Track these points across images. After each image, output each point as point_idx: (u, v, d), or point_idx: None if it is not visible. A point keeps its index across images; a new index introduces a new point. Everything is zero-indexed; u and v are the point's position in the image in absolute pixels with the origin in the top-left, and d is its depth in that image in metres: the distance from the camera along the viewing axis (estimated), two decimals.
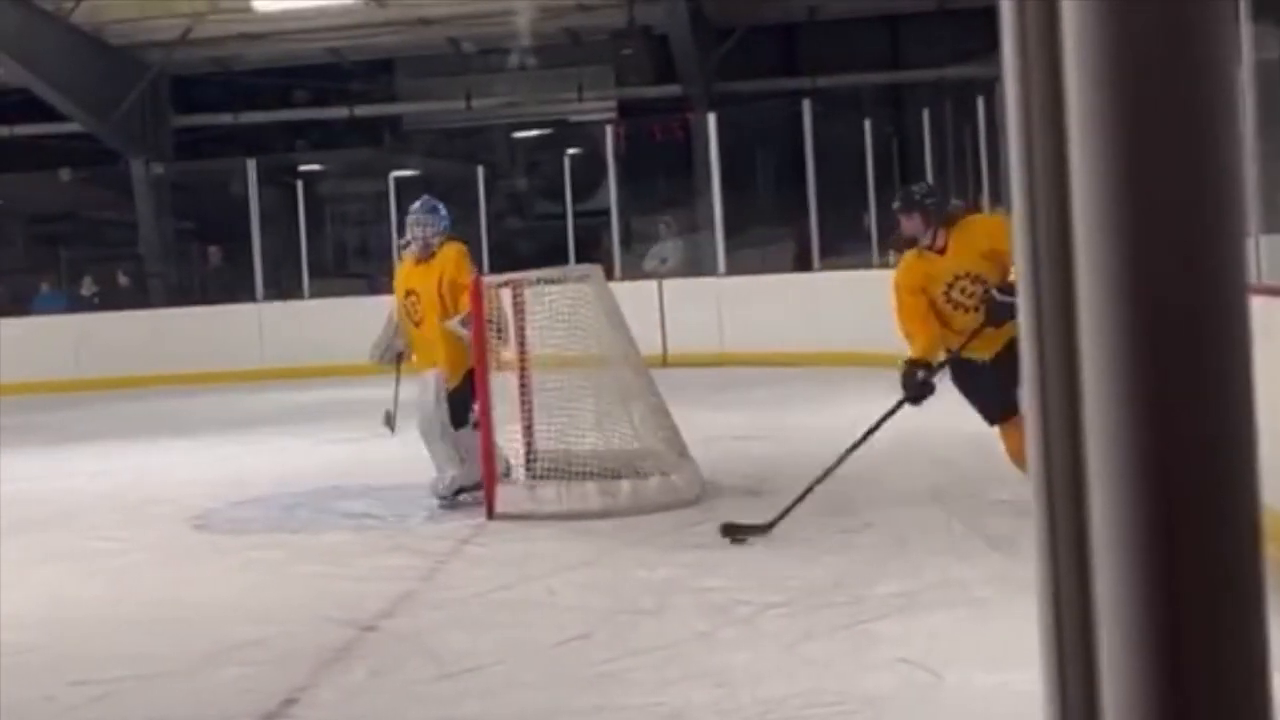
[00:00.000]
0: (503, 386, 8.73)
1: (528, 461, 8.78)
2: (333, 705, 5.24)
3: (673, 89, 22.56)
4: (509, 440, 8.78)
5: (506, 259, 17.05)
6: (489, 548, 7.78)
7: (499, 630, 6.02)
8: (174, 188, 23.78)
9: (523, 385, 8.88)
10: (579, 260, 18.00)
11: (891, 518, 7.77)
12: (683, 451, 8.86)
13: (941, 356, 7.54)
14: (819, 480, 7.44)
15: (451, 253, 9.01)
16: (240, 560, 7.84)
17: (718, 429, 10.97)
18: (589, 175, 20.84)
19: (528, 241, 22.63)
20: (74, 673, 5.69)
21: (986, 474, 8.24)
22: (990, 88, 15.95)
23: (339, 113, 25.25)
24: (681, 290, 18.10)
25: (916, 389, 7.44)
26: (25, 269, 24.37)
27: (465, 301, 8.65)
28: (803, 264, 18.79)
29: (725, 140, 18.82)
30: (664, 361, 15.38)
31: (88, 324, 20.25)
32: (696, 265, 19.32)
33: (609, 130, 20.71)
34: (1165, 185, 0.95)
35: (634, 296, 13.49)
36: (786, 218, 20.06)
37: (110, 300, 21.53)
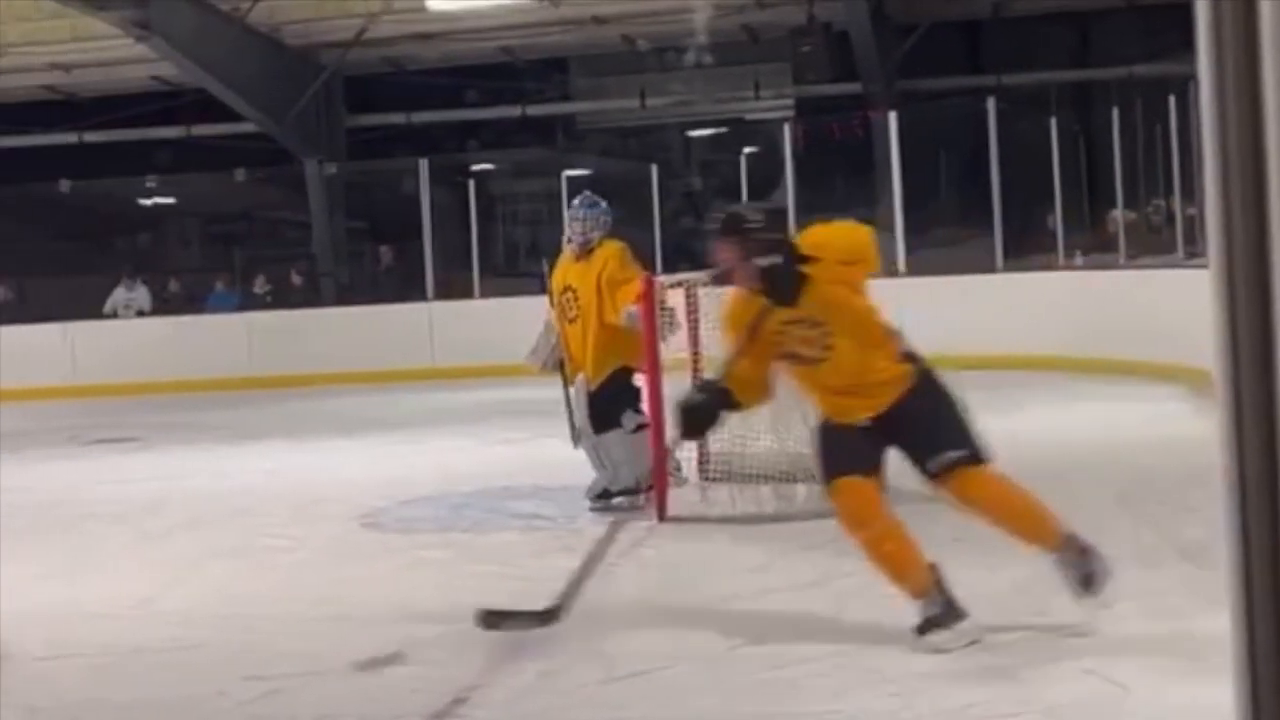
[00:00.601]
0: (672, 387, 8.74)
1: (700, 464, 8.80)
2: (501, 705, 5.29)
3: (852, 87, 22.46)
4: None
5: (681, 259, 17.09)
6: (660, 550, 7.80)
7: (669, 633, 6.04)
8: (347, 187, 24.18)
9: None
10: None
11: (1077, 524, 7.64)
12: None
13: (753, 399, 6.03)
14: (598, 555, 6.33)
15: (611, 249, 9.02)
16: (410, 559, 7.96)
17: None
18: (766, 174, 20.81)
19: (703, 241, 22.62)
20: (245, 668, 5.82)
21: (1179, 480, 8.12)
22: (1183, 86, 15.67)
23: (512, 112, 25.48)
24: None
25: (689, 411, 5.92)
26: (201, 268, 24.95)
27: (624, 297, 8.66)
28: (989, 265, 18.62)
29: (906, 139, 18.70)
30: None
31: (260, 322, 20.67)
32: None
33: (786, 128, 20.66)
34: None
35: None
36: (969, 219, 19.87)
37: (283, 299, 21.95)
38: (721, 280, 6.20)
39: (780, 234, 5.87)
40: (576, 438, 9.09)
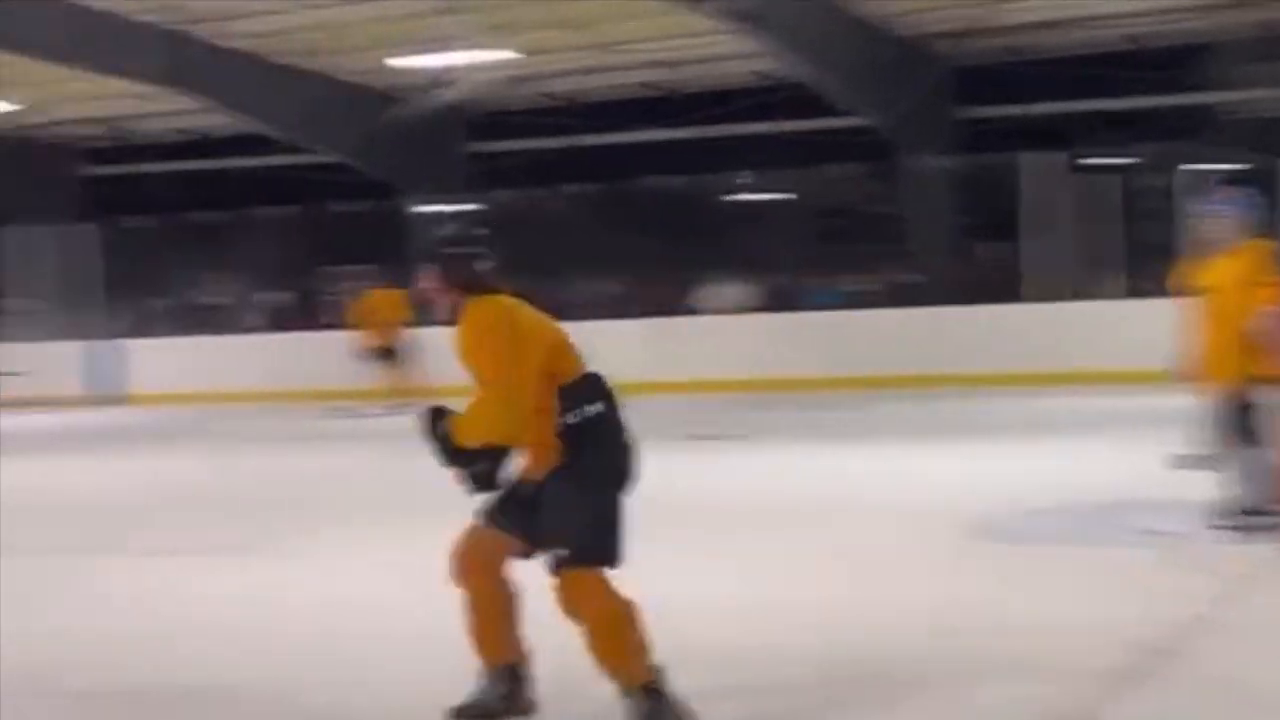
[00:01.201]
0: None
1: None
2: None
3: None
4: None
5: None
6: None
7: None
8: (955, 182, 23.99)
9: None
10: None
11: None
12: None
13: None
14: None
15: (1252, 250, 8.73)
16: (1021, 571, 7.89)
17: None
18: None
19: None
20: (850, 677, 5.91)
21: None
22: None
23: (1136, 103, 24.91)
24: None
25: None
26: (798, 265, 25.39)
27: (1258, 302, 8.36)
28: None
29: None
30: None
31: (863, 321, 20.93)
32: None
33: None
34: None
35: None
36: None
37: (886, 297, 22.09)
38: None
39: (487, 263, 5.23)
40: (1192, 460, 8.80)
